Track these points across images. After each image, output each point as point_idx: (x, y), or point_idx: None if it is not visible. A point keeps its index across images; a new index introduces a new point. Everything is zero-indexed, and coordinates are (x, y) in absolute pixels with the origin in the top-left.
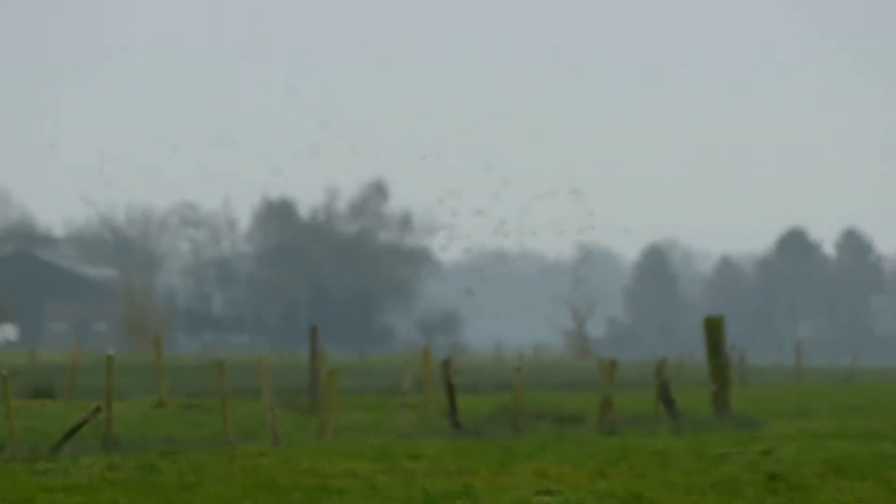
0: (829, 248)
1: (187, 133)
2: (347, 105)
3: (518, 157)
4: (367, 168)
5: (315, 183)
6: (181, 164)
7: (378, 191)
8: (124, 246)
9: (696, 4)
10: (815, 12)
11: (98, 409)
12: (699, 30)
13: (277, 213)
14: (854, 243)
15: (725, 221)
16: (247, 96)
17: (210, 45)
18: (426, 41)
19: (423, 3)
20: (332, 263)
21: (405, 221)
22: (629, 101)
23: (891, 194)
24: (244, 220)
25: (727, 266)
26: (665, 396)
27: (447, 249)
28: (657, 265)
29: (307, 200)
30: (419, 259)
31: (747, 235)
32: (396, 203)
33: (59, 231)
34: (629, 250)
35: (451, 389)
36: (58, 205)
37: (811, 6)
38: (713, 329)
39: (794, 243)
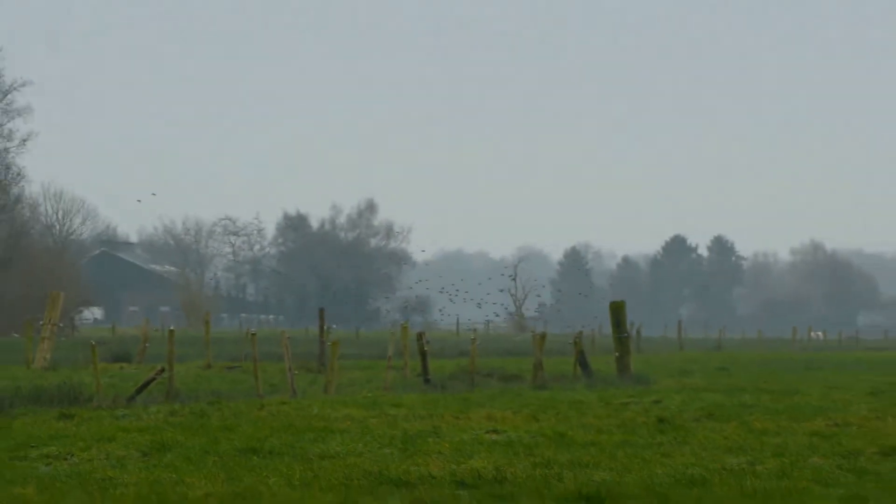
0: (702, 251)
1: (231, 162)
2: (347, 138)
3: (472, 181)
4: (362, 190)
5: (324, 201)
6: (226, 186)
7: (370, 207)
8: (182, 249)
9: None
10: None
11: (162, 370)
12: (601, 45)
13: (294, 224)
14: (721, 247)
15: (626, 229)
16: (276, 137)
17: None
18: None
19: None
20: (335, 262)
21: (389, 230)
22: (548, 127)
23: (749, 209)
24: (270, 229)
25: (627, 263)
26: (581, 361)
27: (422, 251)
28: (576, 263)
29: (317, 214)
30: (400, 258)
31: (642, 240)
32: (383, 216)
33: (133, 237)
34: (555, 252)
35: (423, 355)
36: (133, 218)
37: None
38: (617, 310)
39: (677, 247)
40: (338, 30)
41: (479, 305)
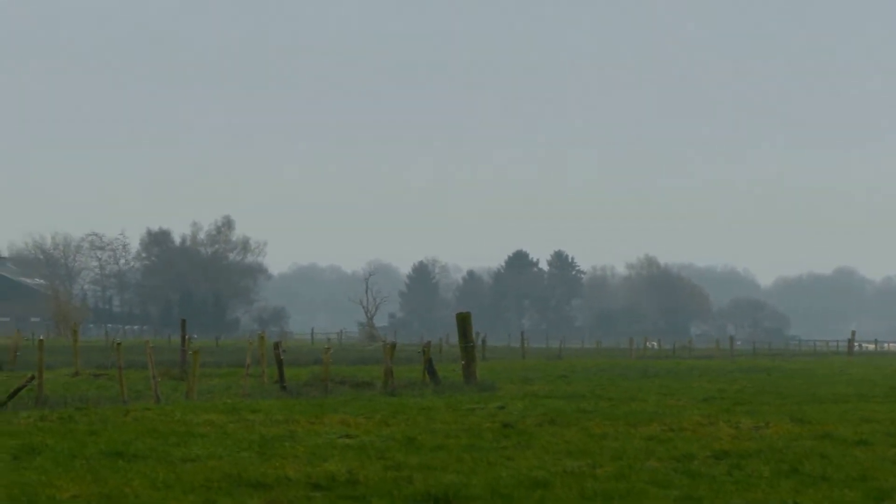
0: (543, 265)
1: (97, 179)
2: (203, 161)
3: (325, 198)
4: (220, 206)
5: (185, 218)
6: (92, 204)
7: (227, 224)
8: (51, 263)
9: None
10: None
11: (32, 378)
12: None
13: (157, 240)
14: (561, 261)
15: (471, 246)
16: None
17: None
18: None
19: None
20: (196, 275)
21: (246, 245)
22: (397, 146)
23: (586, 226)
24: (134, 244)
25: (472, 277)
26: (430, 369)
27: (276, 265)
28: (424, 276)
29: (179, 230)
30: (256, 272)
31: (486, 255)
32: (240, 232)
33: (5, 252)
34: (404, 266)
35: (280, 363)
36: (3, 233)
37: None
38: (463, 321)
39: (519, 261)
40: (193, 50)
41: (332, 316)
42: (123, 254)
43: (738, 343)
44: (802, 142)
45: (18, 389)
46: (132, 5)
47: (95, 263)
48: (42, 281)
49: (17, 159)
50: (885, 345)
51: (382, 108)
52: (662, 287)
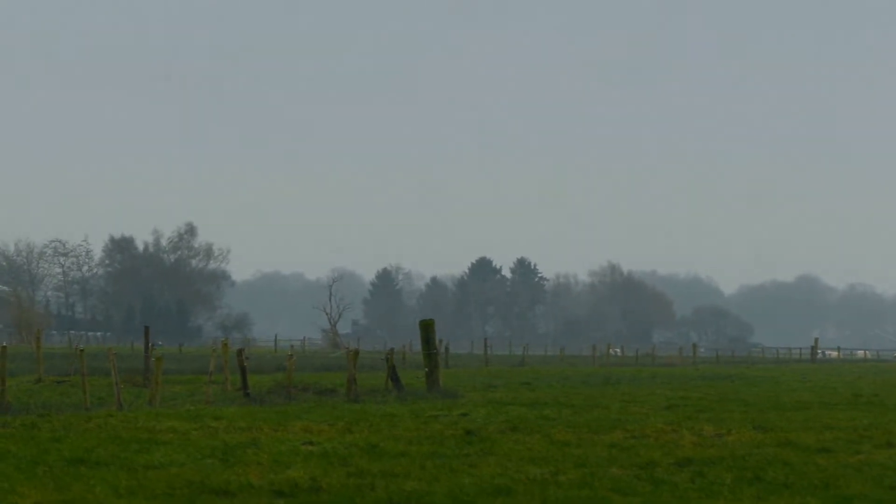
0: (506, 272)
1: (63, 187)
2: (165, 168)
3: (288, 204)
4: (183, 212)
5: (147, 224)
6: (55, 210)
7: (190, 230)
8: (14, 269)
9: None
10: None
11: None
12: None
13: (120, 247)
14: (524, 268)
15: (434, 252)
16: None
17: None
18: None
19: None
20: (159, 282)
21: (209, 252)
22: (359, 153)
23: (549, 234)
24: (98, 251)
25: (435, 284)
26: (393, 376)
27: (239, 272)
28: (387, 283)
29: (141, 237)
30: (219, 278)
31: (449, 262)
32: (203, 238)
33: None
34: (368, 273)
35: (243, 370)
36: None
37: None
38: (426, 328)
39: (483, 268)
40: (153, 56)
41: (296, 323)
42: (86, 260)
43: (702, 350)
44: (761, 148)
45: None
46: (124, 16)
47: (58, 270)
48: (5, 287)
49: None
50: (859, 352)
51: (345, 114)
52: (626, 294)
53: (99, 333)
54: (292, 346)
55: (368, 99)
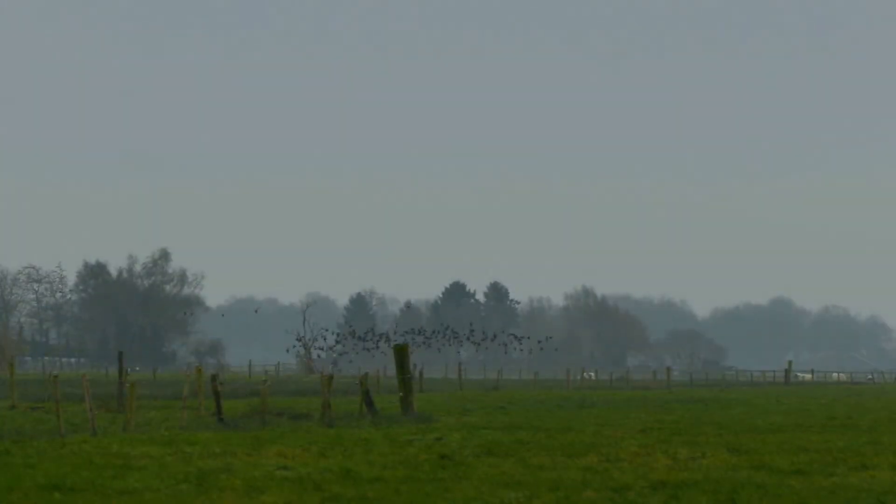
0: (480, 296)
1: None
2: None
3: (262, 231)
4: (157, 238)
5: (121, 250)
6: (29, 236)
7: (164, 256)
8: None
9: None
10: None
11: None
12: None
13: (94, 273)
14: (497, 292)
15: (408, 277)
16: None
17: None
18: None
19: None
20: (133, 307)
21: (182, 277)
22: (332, 179)
23: (521, 259)
24: (71, 277)
25: (410, 309)
26: (367, 400)
27: (213, 298)
28: (361, 308)
29: (115, 263)
30: (193, 304)
31: (423, 287)
32: (177, 264)
33: None
34: (342, 298)
35: (217, 396)
36: None
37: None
38: (401, 353)
39: (457, 292)
40: (131, 80)
41: (269, 348)
42: (60, 286)
43: (676, 374)
44: (736, 172)
45: None
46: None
47: (32, 296)
48: None
49: None
50: (833, 375)
51: (321, 139)
52: (600, 318)
53: (73, 359)
54: (266, 371)
55: (345, 121)
